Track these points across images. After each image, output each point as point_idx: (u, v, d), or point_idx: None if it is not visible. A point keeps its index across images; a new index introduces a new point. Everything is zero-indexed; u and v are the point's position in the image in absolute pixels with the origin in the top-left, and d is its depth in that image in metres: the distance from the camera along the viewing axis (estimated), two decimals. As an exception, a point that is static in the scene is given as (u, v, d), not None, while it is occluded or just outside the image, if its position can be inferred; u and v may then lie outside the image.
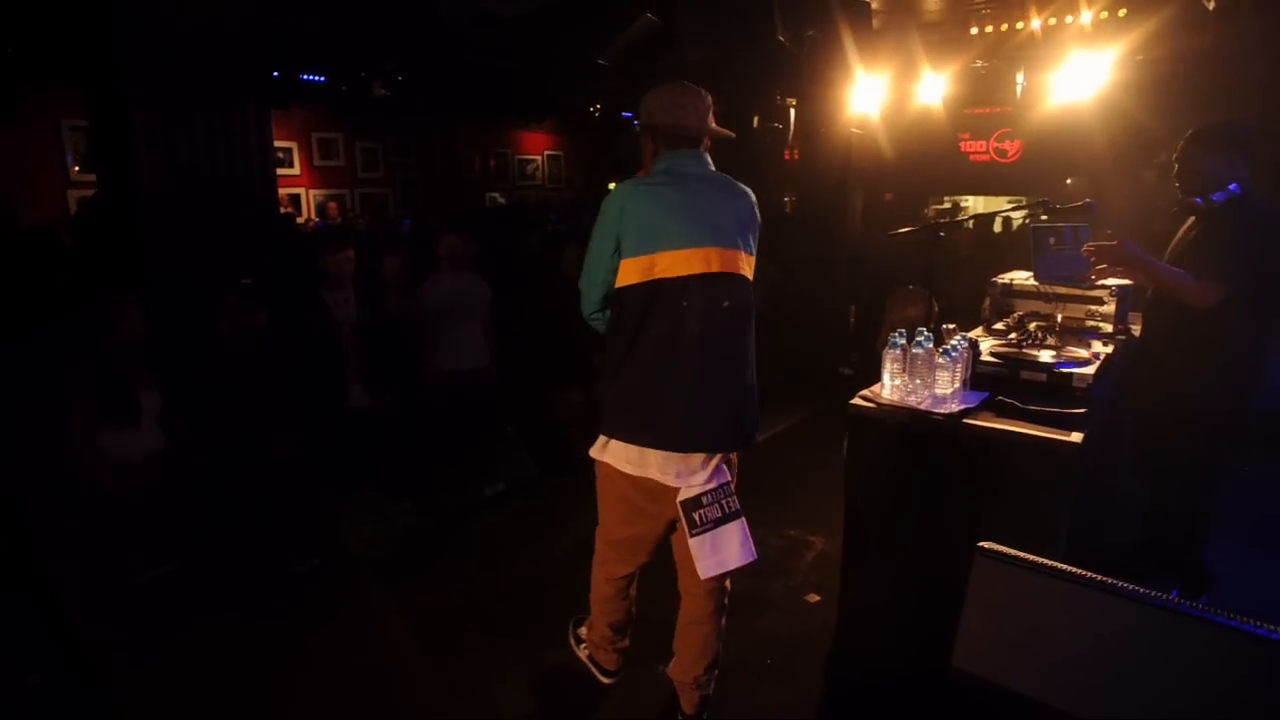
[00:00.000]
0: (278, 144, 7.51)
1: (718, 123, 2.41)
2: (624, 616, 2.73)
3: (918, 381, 2.59)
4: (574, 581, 3.56)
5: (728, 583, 2.61)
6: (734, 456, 2.47)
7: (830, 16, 5.13)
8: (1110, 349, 3.00)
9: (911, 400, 2.57)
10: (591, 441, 2.54)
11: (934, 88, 6.71)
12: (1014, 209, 5.87)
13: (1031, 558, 1.65)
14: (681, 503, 2.32)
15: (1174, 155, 2.95)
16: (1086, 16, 5.74)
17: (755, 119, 7.25)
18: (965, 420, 2.42)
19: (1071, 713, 1.54)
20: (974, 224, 7.67)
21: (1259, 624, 1.44)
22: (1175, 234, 3.09)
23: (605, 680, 2.79)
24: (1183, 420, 2.90)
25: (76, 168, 7.73)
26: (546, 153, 13.04)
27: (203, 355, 3.83)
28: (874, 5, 5.72)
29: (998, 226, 9.01)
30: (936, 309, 5.82)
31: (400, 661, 3.08)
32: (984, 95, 6.65)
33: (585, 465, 4.81)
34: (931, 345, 2.62)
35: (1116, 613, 1.52)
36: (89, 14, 3.71)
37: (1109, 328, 3.45)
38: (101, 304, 3.25)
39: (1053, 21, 5.80)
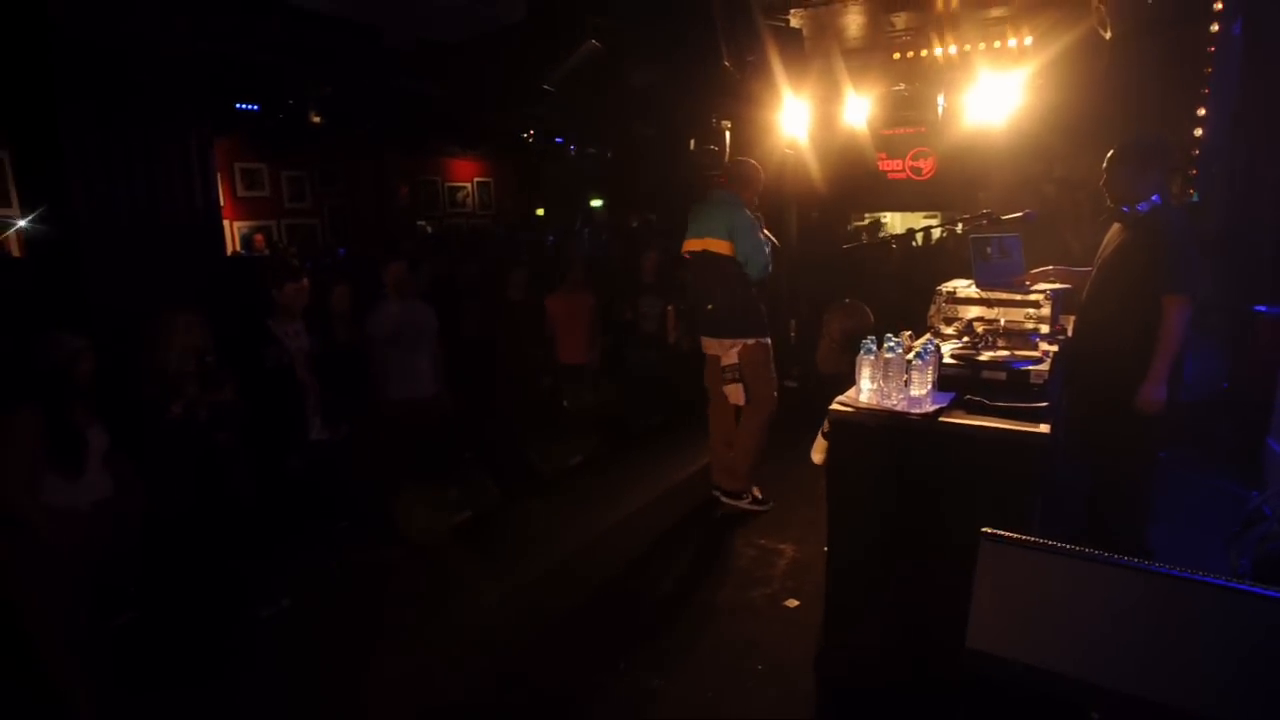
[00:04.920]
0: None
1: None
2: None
3: (892, 385, 2.73)
4: (544, 606, 3.58)
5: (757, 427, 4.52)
6: (744, 351, 4.37)
7: (766, 43, 5.35)
8: (1055, 347, 3.22)
9: (888, 403, 2.69)
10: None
11: (858, 110, 7.06)
12: (955, 222, 6.17)
13: (1033, 539, 1.78)
14: (721, 368, 4.46)
15: (1103, 166, 3.21)
16: (996, 43, 6.17)
17: (692, 141, 7.43)
18: (941, 419, 2.56)
19: (1085, 679, 1.66)
20: (897, 239, 8.08)
21: (1250, 583, 1.59)
22: (1102, 240, 3.35)
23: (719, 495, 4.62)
24: (1124, 410, 3.12)
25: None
26: (476, 180, 12.94)
27: (152, 398, 3.64)
28: (804, 32, 5.99)
29: (918, 240, 9.48)
30: (872, 319, 6.07)
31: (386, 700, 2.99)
32: (907, 116, 7.03)
33: (549, 486, 4.84)
34: (902, 350, 2.77)
35: (1118, 582, 1.66)
36: (17, 35, 3.52)
37: (1046, 329, 3.70)
38: (56, 345, 3.05)
39: (967, 48, 6.21)
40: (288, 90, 6.30)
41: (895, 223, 12.18)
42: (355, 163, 10.26)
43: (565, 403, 6.09)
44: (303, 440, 4.27)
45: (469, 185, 12.86)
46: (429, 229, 11.71)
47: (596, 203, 14.00)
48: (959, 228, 6.90)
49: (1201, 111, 4.93)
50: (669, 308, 6.70)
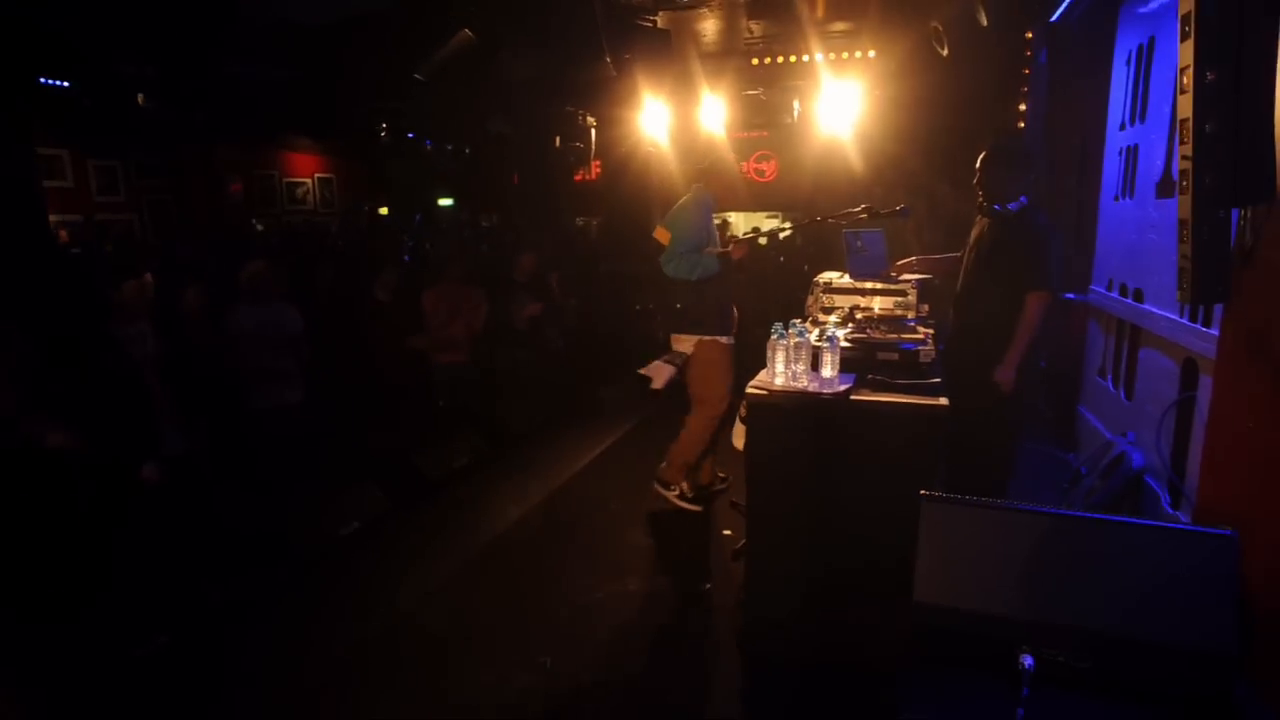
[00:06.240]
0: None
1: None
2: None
3: (802, 368, 2.89)
4: (457, 611, 3.46)
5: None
6: (698, 346, 4.26)
7: (634, 42, 5.44)
8: (931, 330, 3.54)
9: (800, 384, 2.85)
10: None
11: (716, 112, 7.35)
12: (800, 223, 6.53)
13: (967, 498, 1.96)
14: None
15: (977, 166, 3.54)
16: (845, 54, 6.67)
17: (557, 138, 7.42)
18: (852, 397, 2.75)
19: (1016, 616, 1.86)
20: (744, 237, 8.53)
21: (1145, 518, 1.85)
22: (971, 235, 3.72)
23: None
24: (992, 392, 3.46)
25: None
26: (317, 175, 12.12)
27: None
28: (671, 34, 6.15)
29: (764, 241, 10.01)
30: (737, 313, 6.35)
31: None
32: (763, 120, 7.41)
33: (436, 490, 4.63)
34: (809, 336, 2.94)
35: (1038, 527, 1.87)
36: None
37: (913, 314, 4.05)
38: None
39: (820, 58, 6.65)
40: (108, 65, 5.52)
41: (739, 223, 12.70)
42: (179, 152, 9.28)
43: (441, 403, 5.88)
44: (156, 456, 3.83)
45: (309, 181, 12.02)
46: (259, 227, 10.83)
47: (445, 201, 13.55)
48: (791, 232, 7.36)
49: (1021, 125, 5.62)
50: (539, 307, 6.67)
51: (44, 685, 2.76)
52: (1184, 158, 1.92)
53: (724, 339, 4.32)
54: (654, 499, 4.39)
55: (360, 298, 6.03)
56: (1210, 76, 1.83)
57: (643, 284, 7.80)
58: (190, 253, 6.92)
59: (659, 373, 4.27)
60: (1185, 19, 1.88)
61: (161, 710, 2.83)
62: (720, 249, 4.35)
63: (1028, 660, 1.79)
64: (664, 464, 4.42)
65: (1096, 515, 1.93)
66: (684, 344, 4.31)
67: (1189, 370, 3.51)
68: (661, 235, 4.25)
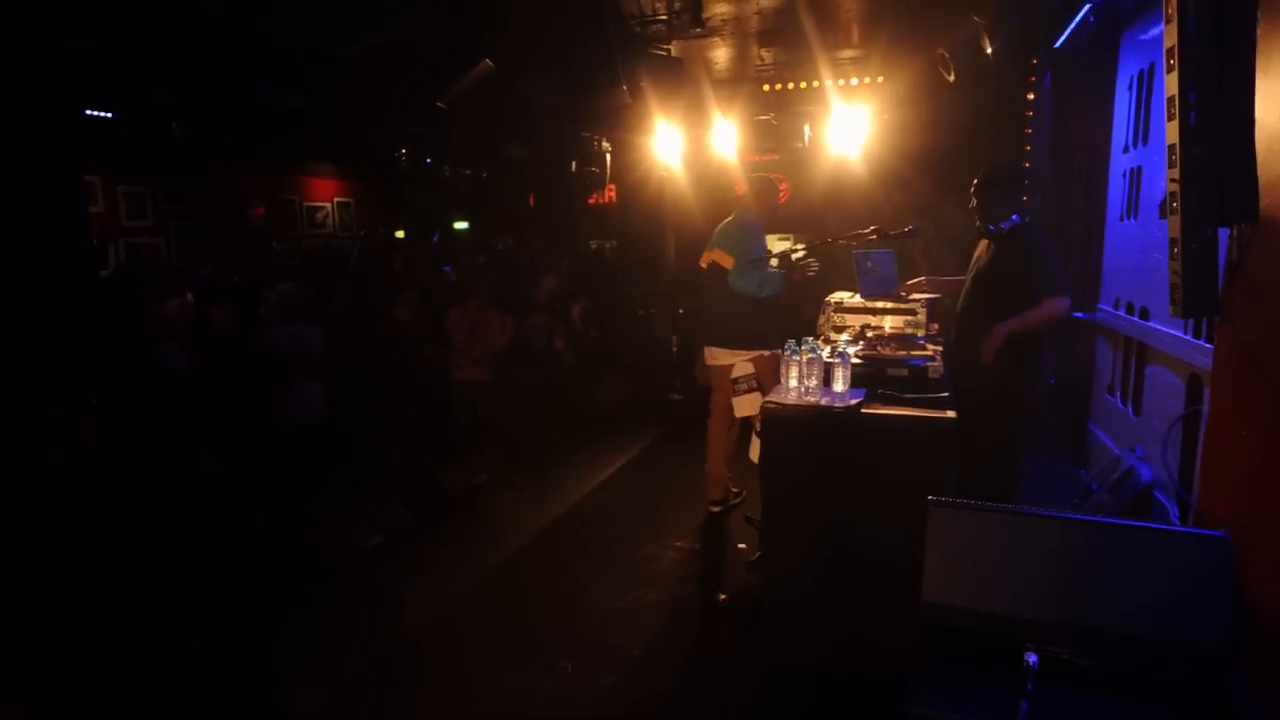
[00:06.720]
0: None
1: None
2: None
3: (814, 383, 3.00)
4: (479, 620, 3.56)
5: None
6: (760, 361, 4.41)
7: (649, 70, 5.62)
8: (940, 347, 3.65)
9: (812, 399, 2.96)
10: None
11: (728, 137, 7.52)
12: (816, 244, 6.64)
13: (972, 502, 2.06)
14: (731, 380, 4.46)
15: (971, 191, 3.67)
16: (854, 80, 6.85)
17: (573, 163, 7.62)
18: (863, 411, 2.85)
19: (1021, 615, 1.95)
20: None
21: (1147, 522, 1.94)
22: (973, 256, 3.84)
23: (713, 508, 4.69)
24: (998, 399, 3.56)
25: None
26: (336, 200, 12.38)
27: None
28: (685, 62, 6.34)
29: (776, 262, 10.17)
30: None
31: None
32: (773, 144, 7.58)
33: (458, 505, 4.76)
34: (821, 353, 3.06)
35: (1045, 531, 1.97)
36: None
37: (923, 332, 4.16)
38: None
39: (829, 83, 6.83)
40: (146, 97, 5.77)
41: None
42: (205, 178, 9.54)
43: (462, 420, 6.01)
44: (192, 470, 3.98)
45: (329, 205, 12.27)
46: (276, 248, 11.07)
47: (461, 225, 13.77)
48: (803, 254, 7.47)
49: (1027, 148, 5.75)
50: (562, 340, 6.82)
51: (95, 678, 2.88)
52: (1172, 180, 2.04)
53: (779, 351, 4.42)
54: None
55: (376, 317, 6.20)
56: (1194, 105, 1.95)
57: (648, 297, 8.03)
58: (212, 274, 7.14)
59: (750, 404, 4.35)
60: (1170, 52, 2.01)
61: (193, 710, 2.95)
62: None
63: (1032, 658, 1.88)
64: (718, 490, 4.60)
65: (1097, 519, 2.02)
66: (727, 358, 4.45)
67: (1194, 385, 3.59)
68: (723, 258, 4.41)
